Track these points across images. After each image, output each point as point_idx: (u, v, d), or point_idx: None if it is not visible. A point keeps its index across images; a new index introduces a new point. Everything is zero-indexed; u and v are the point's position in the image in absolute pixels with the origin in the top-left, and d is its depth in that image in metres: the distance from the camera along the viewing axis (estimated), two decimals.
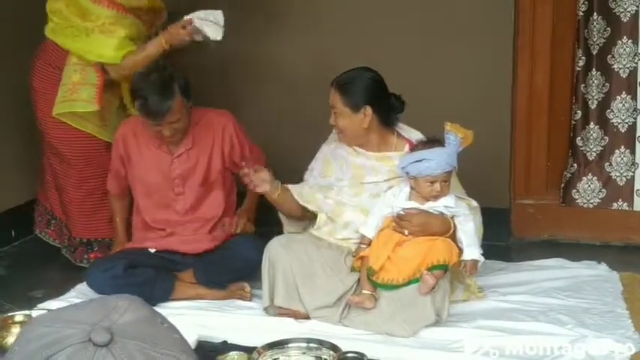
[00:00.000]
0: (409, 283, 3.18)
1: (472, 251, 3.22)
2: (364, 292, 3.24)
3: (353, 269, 3.34)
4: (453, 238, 3.24)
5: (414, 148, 3.32)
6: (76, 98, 3.77)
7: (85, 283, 3.63)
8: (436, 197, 3.21)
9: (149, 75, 3.46)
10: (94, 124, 3.86)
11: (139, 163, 3.67)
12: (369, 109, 3.36)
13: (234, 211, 3.81)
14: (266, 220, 3.76)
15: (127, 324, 1.14)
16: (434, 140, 3.27)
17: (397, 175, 3.36)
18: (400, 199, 3.27)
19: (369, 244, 3.31)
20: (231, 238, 3.65)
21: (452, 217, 3.25)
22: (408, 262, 3.18)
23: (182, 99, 3.45)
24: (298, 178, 3.59)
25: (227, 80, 4.59)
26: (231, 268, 3.55)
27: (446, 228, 3.23)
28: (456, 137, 3.16)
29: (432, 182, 3.18)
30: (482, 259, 3.26)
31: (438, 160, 3.15)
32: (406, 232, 3.23)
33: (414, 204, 3.24)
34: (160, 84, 3.42)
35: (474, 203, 3.43)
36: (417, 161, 3.18)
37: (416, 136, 3.46)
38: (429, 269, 3.14)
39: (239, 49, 4.48)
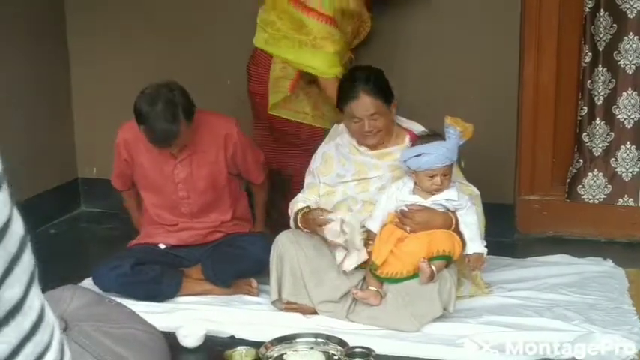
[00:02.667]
0: (413, 276, 3.19)
1: (475, 245, 3.23)
2: (370, 288, 3.25)
3: (360, 266, 3.34)
4: (456, 232, 3.25)
5: (415, 142, 3.34)
6: (275, 91, 3.88)
7: (91, 278, 3.64)
8: (437, 191, 3.22)
9: (155, 101, 3.36)
10: (306, 114, 3.93)
11: (143, 167, 3.66)
12: (395, 100, 3.42)
13: (245, 216, 3.86)
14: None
15: (77, 309, 1.15)
16: (434, 134, 3.28)
17: (399, 167, 3.38)
18: (404, 193, 3.28)
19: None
20: (242, 237, 3.66)
21: (454, 212, 3.26)
22: (411, 256, 3.19)
23: (185, 122, 3.40)
24: None
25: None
26: (239, 267, 3.56)
27: (448, 224, 3.24)
28: (455, 131, 3.17)
29: (432, 176, 3.19)
30: (485, 250, 3.26)
31: (437, 154, 3.16)
32: (408, 228, 3.24)
33: (417, 198, 3.26)
34: (165, 113, 3.35)
35: (476, 191, 3.44)
36: (416, 156, 3.20)
37: (415, 127, 3.48)
38: (431, 259, 3.16)
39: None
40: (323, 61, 3.82)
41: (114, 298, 3.37)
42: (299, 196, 3.52)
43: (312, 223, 3.30)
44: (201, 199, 3.67)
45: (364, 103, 3.32)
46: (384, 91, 3.36)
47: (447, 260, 3.19)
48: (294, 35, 3.82)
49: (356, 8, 3.92)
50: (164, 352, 1.16)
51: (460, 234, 3.25)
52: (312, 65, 3.82)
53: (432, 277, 3.14)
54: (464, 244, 3.24)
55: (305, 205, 3.43)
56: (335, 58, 3.84)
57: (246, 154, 3.72)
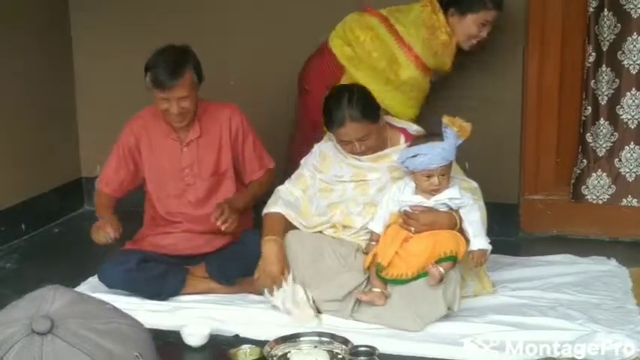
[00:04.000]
0: (418, 277, 3.19)
1: (479, 241, 3.22)
2: (374, 289, 3.25)
3: (367, 270, 3.34)
4: (460, 231, 3.25)
5: (412, 142, 3.33)
6: None
7: (95, 276, 3.64)
8: (435, 191, 3.21)
9: (166, 51, 3.49)
10: None
11: (149, 154, 3.66)
12: (382, 113, 3.41)
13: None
14: None
15: (61, 308, 1.17)
16: (432, 134, 3.27)
17: (397, 168, 3.38)
18: (406, 194, 3.28)
19: (378, 240, 3.32)
20: (246, 235, 3.64)
21: (457, 210, 3.25)
22: (416, 257, 3.19)
23: (193, 75, 3.46)
24: None
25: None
26: (244, 265, 3.53)
27: (452, 223, 3.24)
28: (452, 131, 3.16)
29: (429, 176, 3.18)
30: (489, 247, 3.25)
31: (432, 154, 3.15)
32: (413, 229, 3.24)
33: (420, 198, 3.25)
34: (173, 56, 3.46)
35: (474, 184, 3.45)
36: (412, 156, 3.19)
37: (408, 125, 3.49)
38: (438, 262, 3.15)
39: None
40: (403, 105, 3.81)
41: (119, 295, 3.43)
42: (282, 188, 3.52)
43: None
44: (206, 184, 3.66)
45: (352, 130, 3.30)
46: (369, 111, 3.32)
47: (453, 261, 3.19)
48: (384, 68, 3.77)
49: (450, 70, 3.90)
50: (147, 342, 1.20)
51: (464, 231, 3.25)
52: (391, 105, 3.74)
53: (441, 280, 3.15)
54: (467, 241, 3.24)
55: (279, 211, 3.44)
56: (415, 102, 3.85)
57: (247, 142, 3.70)
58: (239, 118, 3.68)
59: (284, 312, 3.28)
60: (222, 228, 3.45)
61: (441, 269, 3.14)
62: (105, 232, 3.46)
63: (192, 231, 3.70)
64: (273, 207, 3.48)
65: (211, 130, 3.64)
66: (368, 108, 3.33)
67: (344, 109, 3.28)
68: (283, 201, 3.48)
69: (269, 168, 3.78)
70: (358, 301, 3.28)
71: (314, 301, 3.31)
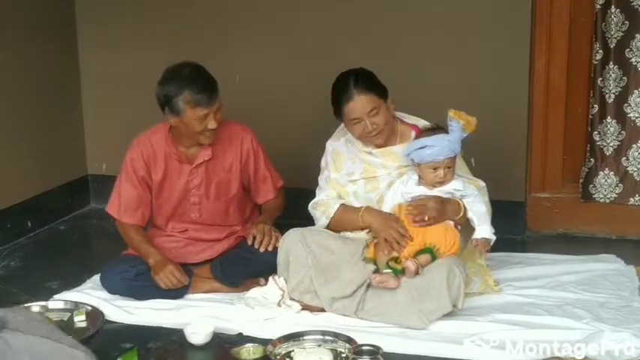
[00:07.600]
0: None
1: (483, 230, 3.28)
2: (386, 271, 3.24)
3: (366, 260, 3.32)
4: (465, 219, 3.28)
5: (418, 135, 3.36)
6: None
7: (99, 276, 3.64)
8: (440, 183, 3.25)
9: (182, 67, 3.44)
10: None
11: (159, 176, 3.62)
12: (391, 97, 3.42)
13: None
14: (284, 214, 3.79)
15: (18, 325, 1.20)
16: (437, 127, 3.31)
17: (405, 165, 3.40)
18: (409, 186, 3.32)
19: None
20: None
21: (461, 199, 3.28)
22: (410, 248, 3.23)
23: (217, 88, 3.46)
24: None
25: None
26: (249, 269, 3.53)
27: (458, 209, 3.27)
28: (457, 123, 3.19)
29: (435, 168, 3.23)
30: (493, 237, 3.30)
31: (440, 146, 3.19)
32: (426, 217, 3.24)
33: (423, 189, 3.29)
34: (197, 72, 3.44)
35: (482, 183, 3.47)
36: (419, 148, 3.22)
37: (420, 122, 3.49)
38: (417, 254, 3.19)
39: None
40: None
41: (121, 300, 3.44)
42: (322, 197, 3.52)
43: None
44: (212, 206, 3.65)
45: (360, 102, 3.32)
46: (375, 85, 3.37)
47: (430, 253, 3.21)
48: None
49: None
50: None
51: (469, 221, 3.29)
52: None
53: (417, 272, 3.17)
54: (471, 231, 3.28)
55: (338, 204, 3.47)
56: None
57: (259, 162, 3.69)
58: (250, 140, 3.65)
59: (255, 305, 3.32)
60: (262, 250, 3.48)
61: (416, 262, 3.17)
62: (177, 279, 3.48)
63: (195, 238, 3.70)
64: (331, 210, 3.48)
65: (222, 154, 3.61)
66: (373, 82, 3.38)
67: (351, 85, 3.34)
68: (331, 201, 3.49)
69: (279, 187, 3.78)
70: (363, 299, 3.27)
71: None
